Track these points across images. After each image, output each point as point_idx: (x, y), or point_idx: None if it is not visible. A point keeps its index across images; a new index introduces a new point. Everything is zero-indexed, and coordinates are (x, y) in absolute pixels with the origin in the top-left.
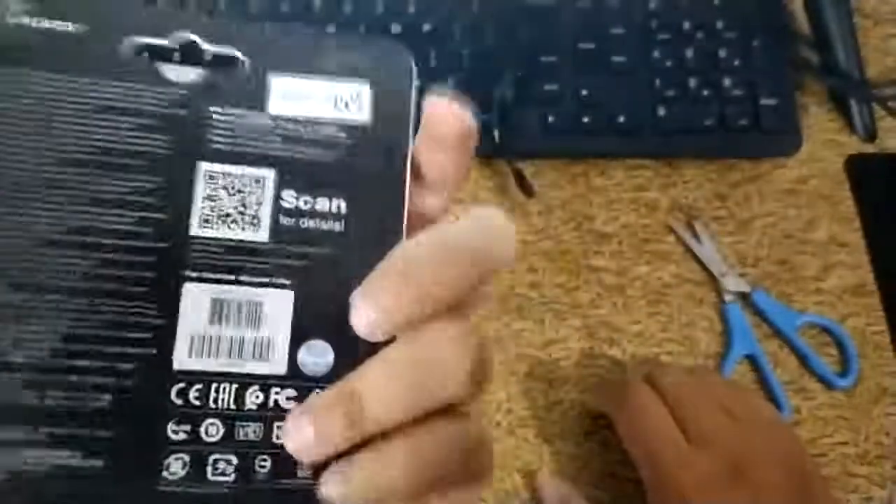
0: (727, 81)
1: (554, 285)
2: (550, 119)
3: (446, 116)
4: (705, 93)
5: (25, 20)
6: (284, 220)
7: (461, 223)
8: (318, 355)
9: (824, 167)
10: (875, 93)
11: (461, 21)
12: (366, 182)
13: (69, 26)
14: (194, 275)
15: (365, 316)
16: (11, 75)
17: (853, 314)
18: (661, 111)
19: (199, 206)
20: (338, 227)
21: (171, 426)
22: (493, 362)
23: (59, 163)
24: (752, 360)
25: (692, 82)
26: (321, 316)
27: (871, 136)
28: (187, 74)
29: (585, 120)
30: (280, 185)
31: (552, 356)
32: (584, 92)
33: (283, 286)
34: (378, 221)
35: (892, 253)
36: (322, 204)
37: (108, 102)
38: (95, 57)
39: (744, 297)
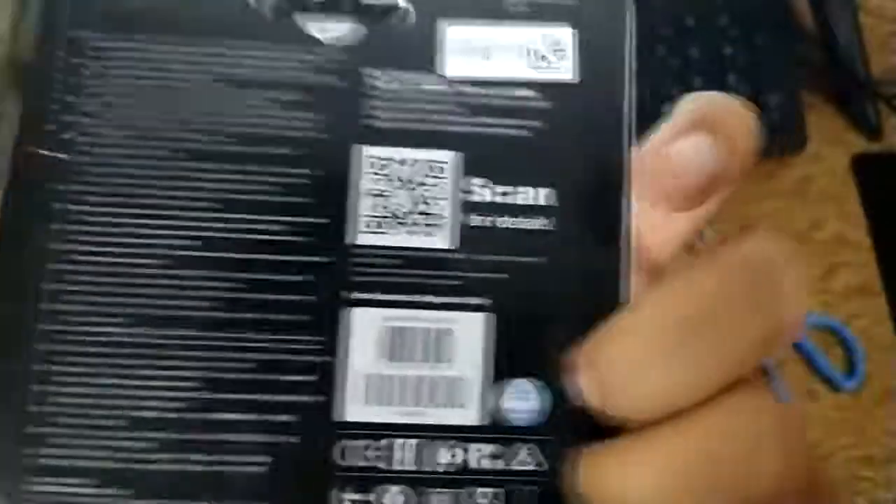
0: (732, 79)
1: None
2: None
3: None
4: (710, 91)
5: None
6: (475, 219)
7: (722, 274)
8: (524, 399)
9: (830, 166)
10: (881, 91)
11: None
12: (579, 161)
13: None
14: (361, 296)
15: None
16: (122, 47)
17: (859, 315)
18: (665, 109)
19: (362, 206)
20: (546, 224)
21: (346, 495)
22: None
23: (183, 155)
24: None
25: (697, 80)
26: (528, 346)
27: (876, 134)
28: (338, 30)
29: None
30: (466, 171)
31: None
32: None
33: (477, 308)
34: (598, 214)
35: None
36: (524, 195)
37: (238, 73)
38: (220, 15)
39: None
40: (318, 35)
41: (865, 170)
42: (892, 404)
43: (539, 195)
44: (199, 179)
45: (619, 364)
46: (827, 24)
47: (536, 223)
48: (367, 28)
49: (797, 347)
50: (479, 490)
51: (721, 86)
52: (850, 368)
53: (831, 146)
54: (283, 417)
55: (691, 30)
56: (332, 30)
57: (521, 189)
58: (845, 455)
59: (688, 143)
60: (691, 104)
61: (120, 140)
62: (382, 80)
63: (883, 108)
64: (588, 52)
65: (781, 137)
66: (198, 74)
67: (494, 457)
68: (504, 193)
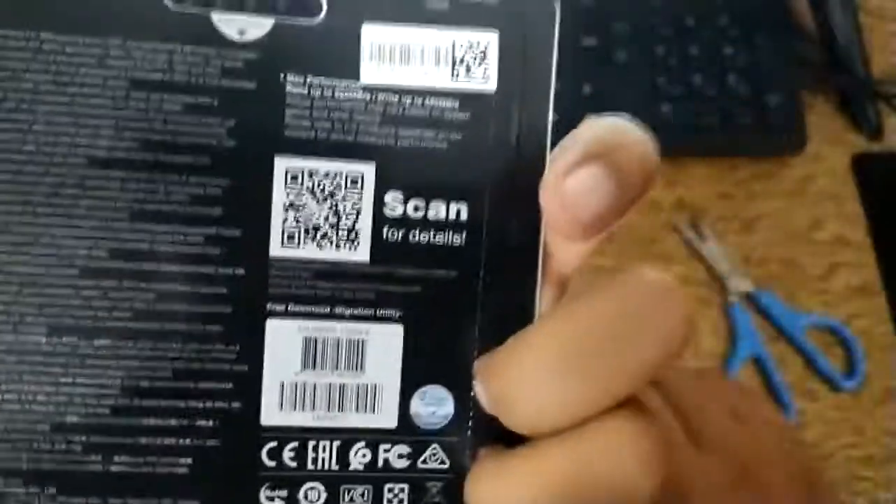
0: (732, 79)
1: None
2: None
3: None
4: (710, 91)
5: None
6: (389, 234)
7: (602, 297)
8: (434, 404)
9: (830, 166)
10: (881, 91)
11: None
12: (494, 176)
13: None
14: (279, 308)
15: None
16: (27, 46)
17: (859, 315)
18: (665, 109)
19: (279, 218)
20: (458, 240)
21: (264, 493)
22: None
23: (89, 162)
24: (757, 361)
25: (696, 80)
26: (439, 356)
27: (876, 134)
28: (252, 28)
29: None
30: (382, 184)
31: None
32: (587, 89)
33: (390, 319)
34: (512, 229)
35: None
36: (437, 209)
37: (146, 75)
38: (125, 10)
39: (749, 297)
40: (230, 34)
41: (865, 170)
42: (892, 404)
43: (452, 210)
44: (108, 188)
45: (513, 379)
46: (827, 24)
47: (449, 238)
48: (283, 26)
49: (798, 347)
50: (391, 486)
51: (721, 86)
52: (850, 368)
53: (831, 146)
54: (206, 423)
55: (691, 30)
56: (247, 28)
57: (433, 203)
58: (845, 455)
59: (581, 178)
60: (587, 132)
61: (29, 146)
62: (298, 85)
63: (883, 108)
64: (511, 60)
65: (781, 137)
66: (104, 76)
67: (407, 457)
68: (416, 208)
